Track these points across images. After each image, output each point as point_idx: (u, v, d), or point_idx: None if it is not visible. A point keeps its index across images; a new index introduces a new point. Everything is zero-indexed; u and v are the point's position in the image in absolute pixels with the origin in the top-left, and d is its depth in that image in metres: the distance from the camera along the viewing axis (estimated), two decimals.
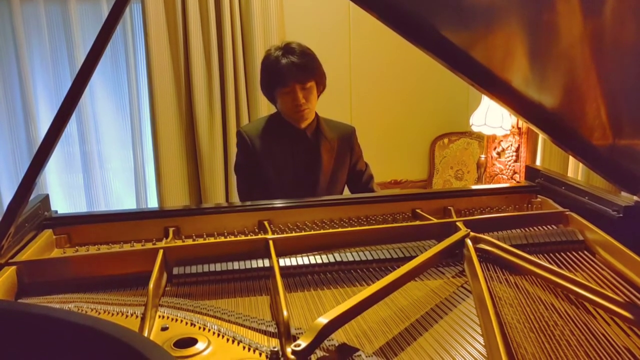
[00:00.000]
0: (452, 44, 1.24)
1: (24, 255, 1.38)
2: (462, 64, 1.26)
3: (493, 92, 1.33)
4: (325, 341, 1.02)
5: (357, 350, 1.01)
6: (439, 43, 1.23)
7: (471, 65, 1.26)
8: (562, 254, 1.39)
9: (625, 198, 1.50)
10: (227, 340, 1.06)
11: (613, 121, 1.34)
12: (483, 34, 1.28)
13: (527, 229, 1.52)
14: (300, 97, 2.02)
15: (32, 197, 1.56)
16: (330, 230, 1.55)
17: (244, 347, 1.04)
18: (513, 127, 3.15)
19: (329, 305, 1.20)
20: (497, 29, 1.26)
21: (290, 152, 2.14)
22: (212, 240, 1.55)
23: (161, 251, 1.37)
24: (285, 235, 1.50)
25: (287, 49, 2.03)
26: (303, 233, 1.53)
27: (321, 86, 2.13)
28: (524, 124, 3.11)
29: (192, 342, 1.05)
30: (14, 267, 1.30)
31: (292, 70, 1.99)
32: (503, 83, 1.30)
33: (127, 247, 1.53)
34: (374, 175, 2.34)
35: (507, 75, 1.32)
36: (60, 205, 3.49)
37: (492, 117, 3.08)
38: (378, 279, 1.16)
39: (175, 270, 1.36)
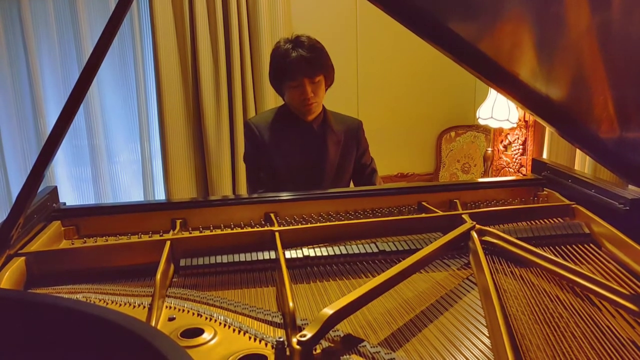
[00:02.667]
0: (460, 37, 1.24)
1: (33, 246, 1.40)
2: (469, 57, 1.25)
3: (500, 85, 1.32)
4: (331, 332, 1.03)
5: (362, 340, 1.02)
6: (447, 36, 1.22)
7: (479, 58, 1.26)
8: (568, 246, 1.39)
9: (632, 191, 1.49)
10: (234, 330, 1.07)
11: (620, 114, 1.34)
12: (490, 27, 1.27)
13: (533, 222, 1.52)
14: (308, 91, 2.02)
15: (40, 189, 1.58)
16: (336, 223, 1.55)
17: (250, 338, 1.04)
18: (520, 120, 3.14)
19: (334, 297, 1.21)
20: (504, 21, 1.25)
21: (297, 144, 2.15)
22: (218, 232, 1.56)
23: (168, 242, 1.38)
24: (291, 227, 1.51)
25: (297, 42, 2.03)
26: (309, 225, 1.53)
27: (329, 80, 2.13)
28: (530, 117, 3.09)
29: (198, 332, 1.06)
30: (23, 258, 1.31)
31: (302, 65, 1.99)
32: (510, 76, 1.30)
33: (134, 239, 1.54)
34: (377, 169, 2.36)
35: (514, 68, 1.31)
36: (68, 198, 3.51)
37: (498, 111, 3.07)
38: (383, 271, 1.17)
39: (182, 262, 1.37)
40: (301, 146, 2.16)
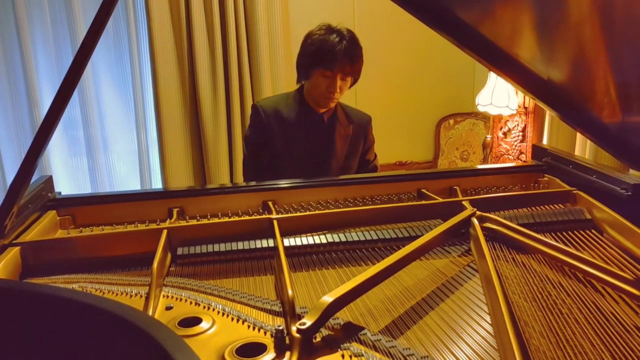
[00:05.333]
0: (460, 20, 1.21)
1: (28, 236, 1.38)
2: (470, 41, 1.23)
3: (502, 69, 1.30)
4: (330, 320, 1.01)
5: (363, 328, 1.01)
6: (447, 18, 1.20)
7: (479, 41, 1.24)
8: (570, 232, 1.38)
9: (634, 176, 1.48)
10: (232, 319, 1.06)
11: (622, 98, 1.32)
12: (491, 9, 1.25)
13: (534, 208, 1.50)
14: (337, 85, 2.00)
15: (35, 178, 1.56)
16: (335, 210, 1.53)
17: (248, 326, 1.03)
18: (519, 107, 3.12)
19: (333, 285, 1.20)
20: (505, 3, 1.23)
21: (304, 134, 2.11)
22: (216, 220, 1.54)
23: (165, 231, 1.36)
24: (289, 215, 1.49)
25: (341, 34, 1.98)
26: (307, 213, 1.51)
27: (354, 82, 2.11)
28: (530, 104, 3.07)
29: (196, 321, 1.04)
30: (18, 248, 1.30)
31: (346, 59, 1.97)
32: (512, 59, 1.28)
33: (131, 228, 1.52)
34: (378, 165, 2.36)
35: (515, 51, 1.29)
36: (65, 188, 3.49)
37: (498, 97, 3.04)
38: (383, 259, 1.15)
39: (179, 251, 1.35)
40: (308, 137, 2.11)
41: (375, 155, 2.34)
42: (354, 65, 2.02)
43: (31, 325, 0.92)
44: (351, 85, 2.11)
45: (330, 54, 1.96)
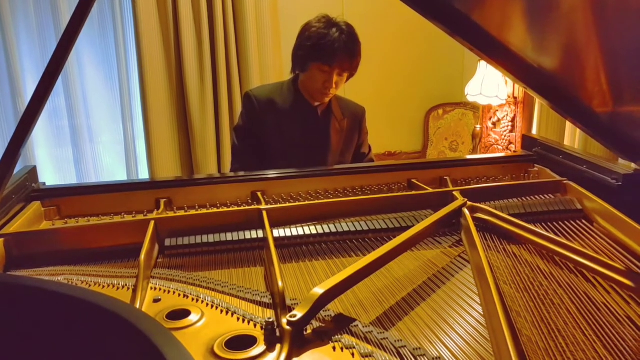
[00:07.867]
0: (453, 7, 1.20)
1: (12, 227, 1.35)
2: (462, 28, 1.22)
3: (493, 57, 1.29)
4: (321, 312, 1.00)
5: (354, 320, 1.00)
6: (439, 6, 1.19)
7: (471, 29, 1.22)
8: (560, 223, 1.38)
9: (624, 166, 1.48)
10: (221, 311, 1.04)
11: (613, 88, 1.32)
12: None
13: (524, 199, 1.50)
14: (333, 81, 1.95)
15: (19, 169, 1.53)
16: (325, 201, 1.52)
17: (238, 319, 1.01)
18: (509, 97, 3.11)
19: (324, 276, 1.19)
20: None
21: (299, 127, 2.06)
22: (204, 211, 1.52)
23: (152, 222, 1.34)
24: (279, 205, 1.47)
25: (341, 30, 1.93)
26: (297, 203, 1.50)
27: (350, 78, 2.06)
28: (520, 93, 3.07)
29: (185, 313, 1.03)
30: (1, 240, 1.27)
31: (345, 57, 1.92)
32: (503, 47, 1.27)
33: (117, 219, 1.50)
34: (374, 157, 2.34)
35: (506, 38, 1.28)
36: (50, 179, 3.44)
37: (487, 87, 3.04)
38: (374, 250, 1.14)
39: (167, 242, 1.33)
40: (303, 130, 2.06)
41: (370, 148, 2.31)
42: (353, 62, 1.96)
43: (16, 319, 0.90)
44: (347, 80, 2.06)
45: (330, 50, 1.90)
